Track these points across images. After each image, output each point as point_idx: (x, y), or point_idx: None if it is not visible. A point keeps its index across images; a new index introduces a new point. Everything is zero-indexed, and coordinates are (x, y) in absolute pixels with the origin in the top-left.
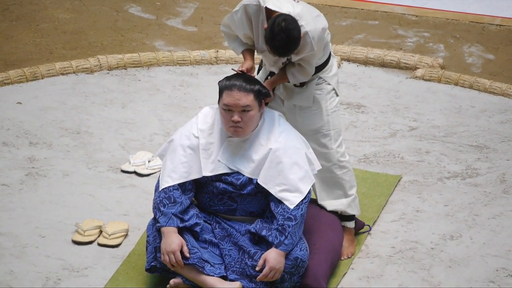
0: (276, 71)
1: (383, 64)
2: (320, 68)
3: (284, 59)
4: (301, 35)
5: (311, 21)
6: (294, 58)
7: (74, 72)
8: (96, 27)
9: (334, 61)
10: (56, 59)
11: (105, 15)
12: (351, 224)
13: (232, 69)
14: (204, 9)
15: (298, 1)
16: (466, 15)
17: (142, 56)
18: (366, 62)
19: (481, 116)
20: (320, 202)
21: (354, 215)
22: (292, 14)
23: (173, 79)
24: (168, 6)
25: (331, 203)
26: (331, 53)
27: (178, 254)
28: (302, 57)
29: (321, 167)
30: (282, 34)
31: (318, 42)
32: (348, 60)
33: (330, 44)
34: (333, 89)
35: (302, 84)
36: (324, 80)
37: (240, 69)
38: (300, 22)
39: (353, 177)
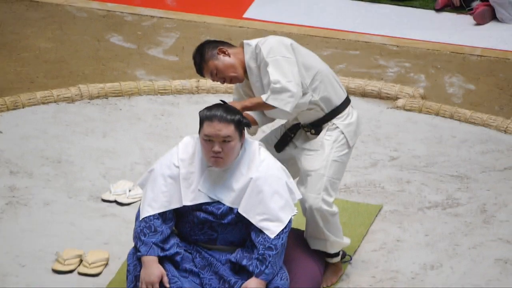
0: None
1: (364, 94)
2: (334, 113)
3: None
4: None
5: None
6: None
7: (55, 101)
8: (78, 56)
9: (353, 112)
10: (37, 88)
11: (86, 44)
12: (335, 260)
13: None
14: (186, 39)
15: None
16: (446, 46)
17: (123, 85)
18: (347, 92)
19: (462, 146)
20: (305, 237)
21: (338, 252)
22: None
23: (154, 108)
24: (149, 35)
25: (314, 243)
26: (351, 103)
27: (157, 286)
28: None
29: (301, 196)
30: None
31: (271, 50)
32: None
33: (344, 90)
34: (344, 138)
35: (317, 132)
36: (337, 126)
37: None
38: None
39: (337, 225)
